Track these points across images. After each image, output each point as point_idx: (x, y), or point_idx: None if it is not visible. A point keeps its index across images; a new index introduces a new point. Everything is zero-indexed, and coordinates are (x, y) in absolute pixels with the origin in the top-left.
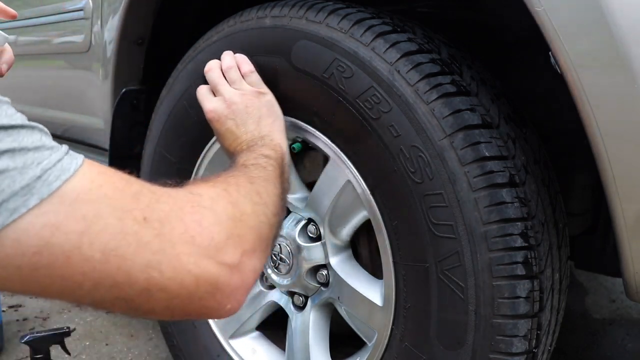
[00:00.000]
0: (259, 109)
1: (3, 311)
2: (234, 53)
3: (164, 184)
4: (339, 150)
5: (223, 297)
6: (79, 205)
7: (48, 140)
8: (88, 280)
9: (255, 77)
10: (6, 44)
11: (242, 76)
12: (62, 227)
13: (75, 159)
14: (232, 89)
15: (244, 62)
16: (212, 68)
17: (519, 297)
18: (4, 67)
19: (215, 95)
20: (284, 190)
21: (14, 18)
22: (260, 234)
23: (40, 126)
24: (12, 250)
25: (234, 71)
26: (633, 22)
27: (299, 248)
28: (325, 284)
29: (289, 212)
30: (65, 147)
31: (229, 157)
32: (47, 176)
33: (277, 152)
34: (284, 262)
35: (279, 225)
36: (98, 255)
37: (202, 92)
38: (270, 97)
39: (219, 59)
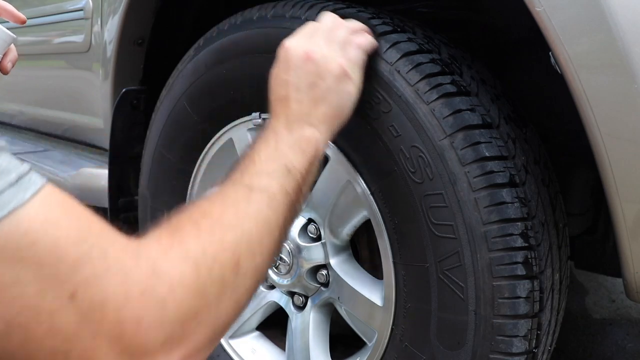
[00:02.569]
0: (330, 91)
1: None
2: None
3: (131, 235)
4: (338, 150)
5: None
6: (4, 264)
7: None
8: None
9: (359, 56)
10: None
11: (350, 42)
12: None
13: (22, 193)
14: (325, 47)
15: (362, 35)
16: (333, 17)
17: (519, 297)
18: (9, 65)
19: (309, 38)
20: (287, 229)
21: (23, 23)
22: (218, 326)
23: None
24: None
25: (344, 32)
26: (633, 22)
27: (299, 248)
28: (325, 284)
29: None
30: (15, 174)
31: (269, 106)
32: None
33: (305, 159)
34: (284, 262)
35: (254, 292)
36: (1, 326)
37: (306, 27)
38: (352, 88)
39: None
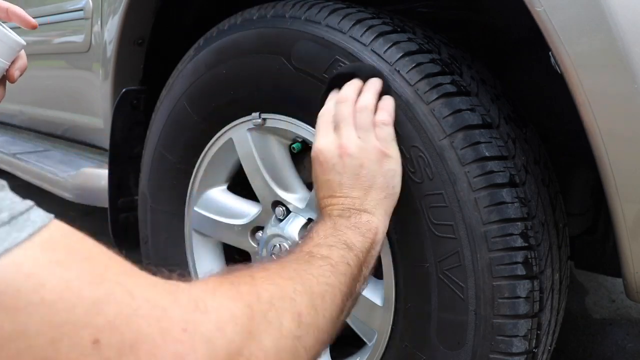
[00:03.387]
0: (375, 176)
1: None
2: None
3: (168, 275)
4: None
5: None
6: (4, 313)
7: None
8: None
9: (388, 132)
10: (22, 51)
11: (374, 123)
12: None
13: (16, 232)
14: (355, 137)
15: (385, 109)
16: (346, 100)
17: (519, 297)
18: (17, 73)
19: (335, 131)
20: (349, 303)
21: (34, 28)
22: None
23: None
24: None
25: (366, 114)
26: (633, 22)
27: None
28: None
29: (288, 212)
30: (8, 213)
31: (317, 206)
32: None
33: (365, 240)
34: None
35: (316, 355)
36: None
37: (323, 120)
38: (394, 164)
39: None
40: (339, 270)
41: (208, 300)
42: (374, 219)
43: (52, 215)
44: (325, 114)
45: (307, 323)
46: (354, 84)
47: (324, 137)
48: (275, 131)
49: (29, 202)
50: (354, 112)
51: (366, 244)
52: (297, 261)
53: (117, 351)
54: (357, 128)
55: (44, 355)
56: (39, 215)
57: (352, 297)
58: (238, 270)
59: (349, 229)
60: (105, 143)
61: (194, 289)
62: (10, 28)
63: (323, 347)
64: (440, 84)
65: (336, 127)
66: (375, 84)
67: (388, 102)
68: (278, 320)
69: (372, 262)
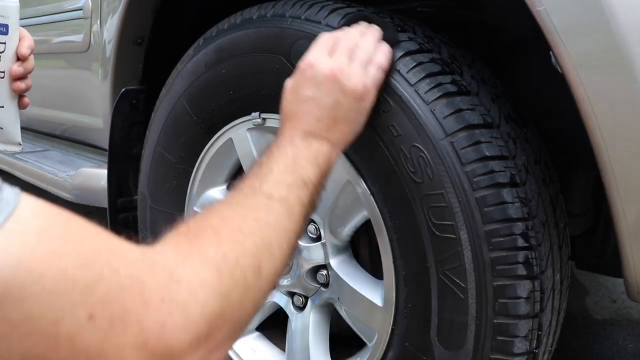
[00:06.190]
0: (349, 110)
1: None
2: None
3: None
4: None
5: None
6: (11, 305)
7: None
8: None
9: (378, 76)
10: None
11: (370, 61)
12: None
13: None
14: (349, 66)
15: (382, 52)
16: (349, 33)
17: (519, 298)
18: (27, 51)
19: (329, 54)
20: (301, 235)
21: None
22: (240, 324)
23: None
24: None
25: (364, 52)
26: (634, 22)
27: (298, 248)
28: (326, 285)
29: None
30: None
31: (280, 120)
32: None
33: (321, 173)
34: None
35: (271, 291)
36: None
37: (323, 40)
38: (368, 106)
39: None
40: (295, 213)
41: (180, 271)
42: (333, 152)
43: (18, 190)
44: (327, 37)
45: (266, 273)
46: (360, 26)
47: (320, 55)
48: (275, 131)
49: None
50: (354, 46)
51: (320, 177)
52: (257, 209)
53: (109, 323)
54: (353, 59)
55: (48, 333)
56: (9, 192)
57: (304, 229)
58: (203, 223)
59: (308, 162)
60: (105, 143)
61: (168, 260)
62: None
63: (279, 279)
64: (440, 84)
65: (332, 51)
66: (378, 31)
67: (388, 49)
68: (243, 276)
69: (322, 191)
